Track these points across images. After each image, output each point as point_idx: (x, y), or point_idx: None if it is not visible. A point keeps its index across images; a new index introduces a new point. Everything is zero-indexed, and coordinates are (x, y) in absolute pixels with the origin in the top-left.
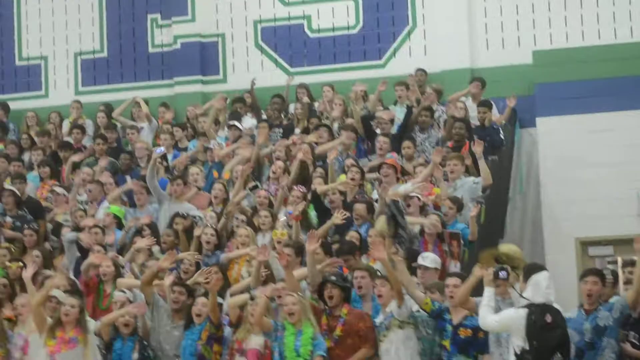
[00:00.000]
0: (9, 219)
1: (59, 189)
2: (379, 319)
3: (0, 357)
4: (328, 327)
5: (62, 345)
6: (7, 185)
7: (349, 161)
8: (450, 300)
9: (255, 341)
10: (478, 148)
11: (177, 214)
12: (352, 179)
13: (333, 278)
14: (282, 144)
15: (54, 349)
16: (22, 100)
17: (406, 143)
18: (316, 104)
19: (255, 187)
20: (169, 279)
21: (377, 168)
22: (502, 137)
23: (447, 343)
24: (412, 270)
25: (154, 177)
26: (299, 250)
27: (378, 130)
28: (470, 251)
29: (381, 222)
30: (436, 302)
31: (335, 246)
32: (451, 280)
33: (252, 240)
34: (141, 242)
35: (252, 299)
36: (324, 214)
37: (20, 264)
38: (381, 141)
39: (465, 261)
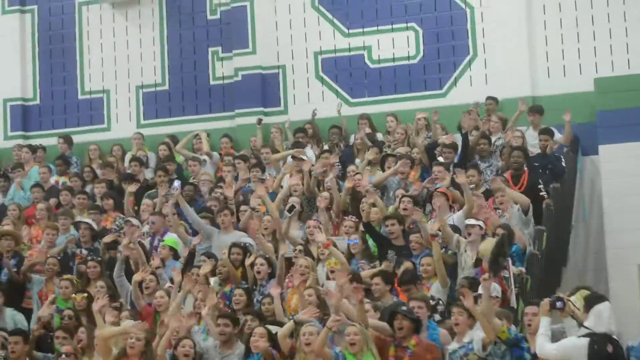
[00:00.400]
0: (84, 251)
1: (134, 221)
2: (452, 346)
3: None
4: (395, 357)
5: None
6: (84, 217)
7: (400, 192)
8: (528, 329)
9: None
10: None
11: (234, 244)
12: (405, 209)
13: (404, 309)
14: (321, 164)
15: None
16: (85, 133)
17: (471, 172)
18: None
19: (292, 207)
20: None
21: (430, 197)
22: (563, 164)
23: None
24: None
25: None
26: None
27: (440, 159)
28: (532, 279)
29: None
30: (512, 331)
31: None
32: (530, 309)
33: (312, 270)
34: (206, 266)
35: (297, 323)
36: (383, 242)
37: (85, 294)
38: (436, 170)
39: (527, 290)
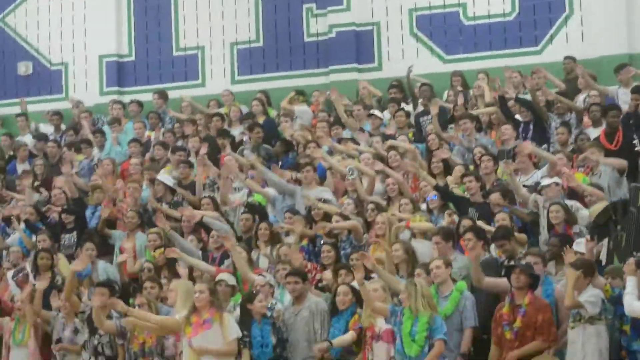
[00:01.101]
0: (164, 205)
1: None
2: None
3: (152, 339)
4: (509, 317)
5: (197, 328)
6: (163, 174)
7: (478, 150)
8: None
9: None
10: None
11: (315, 205)
12: (485, 168)
13: (523, 263)
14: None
15: (191, 334)
16: (180, 89)
17: (560, 129)
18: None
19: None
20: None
21: (513, 156)
22: None
23: (627, 328)
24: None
25: (274, 183)
26: (448, 235)
27: (518, 117)
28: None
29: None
30: (616, 288)
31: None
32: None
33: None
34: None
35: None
36: (460, 201)
37: (162, 250)
38: (503, 129)
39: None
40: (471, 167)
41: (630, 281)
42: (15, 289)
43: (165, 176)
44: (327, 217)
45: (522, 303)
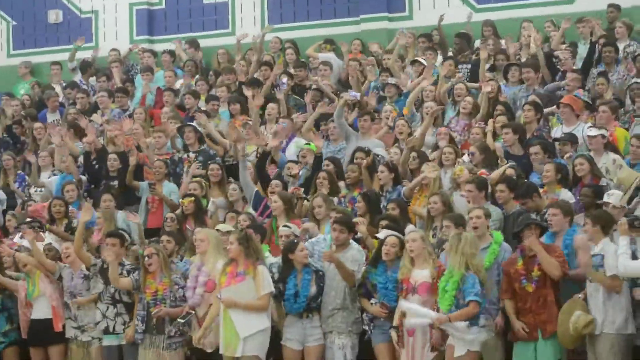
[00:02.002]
0: (192, 154)
1: (251, 123)
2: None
3: (164, 287)
4: (526, 270)
5: (231, 279)
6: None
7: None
8: None
9: (422, 275)
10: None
11: (358, 149)
12: (525, 117)
13: (534, 218)
14: None
15: (224, 285)
16: (210, 38)
17: (600, 80)
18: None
19: None
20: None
21: (557, 106)
22: None
23: None
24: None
25: (342, 116)
26: (482, 185)
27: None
28: None
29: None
30: None
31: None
32: None
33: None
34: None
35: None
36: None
37: (192, 198)
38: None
39: None
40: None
41: (624, 240)
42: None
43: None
44: (371, 166)
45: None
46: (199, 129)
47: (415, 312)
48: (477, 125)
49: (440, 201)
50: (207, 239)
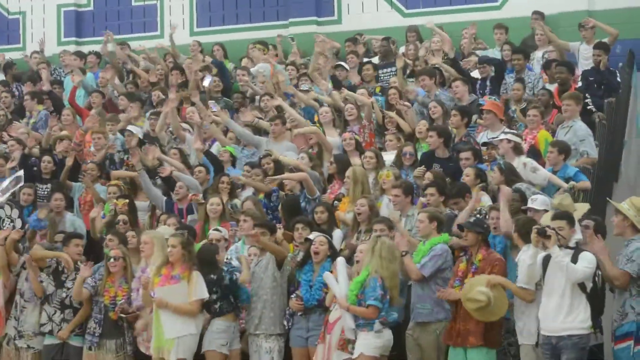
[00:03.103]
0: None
1: (185, 125)
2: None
3: (124, 293)
4: (464, 273)
5: (165, 281)
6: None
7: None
8: None
9: None
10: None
11: (266, 154)
12: (452, 122)
13: (470, 221)
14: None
15: (158, 285)
16: (138, 40)
17: (516, 85)
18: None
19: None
20: None
21: (480, 113)
22: (618, 79)
23: None
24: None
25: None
26: (409, 190)
27: (476, 73)
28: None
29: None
30: None
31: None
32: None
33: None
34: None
35: None
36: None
37: (127, 200)
38: (453, 85)
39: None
40: None
41: (532, 250)
42: None
43: (135, 126)
44: (279, 170)
45: (474, 260)
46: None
47: (331, 284)
48: (387, 132)
49: (368, 205)
50: (152, 242)
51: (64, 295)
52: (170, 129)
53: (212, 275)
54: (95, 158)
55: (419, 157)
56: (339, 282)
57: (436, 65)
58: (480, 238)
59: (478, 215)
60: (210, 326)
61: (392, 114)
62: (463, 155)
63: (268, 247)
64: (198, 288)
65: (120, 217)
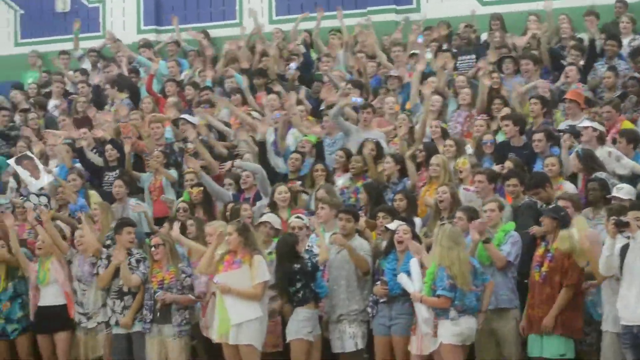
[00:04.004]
0: (190, 145)
1: (255, 114)
2: None
3: (171, 276)
4: (541, 259)
5: (227, 267)
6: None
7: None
8: None
9: None
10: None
11: (367, 140)
12: (532, 111)
13: (550, 208)
14: None
15: (221, 272)
16: (217, 29)
17: (607, 73)
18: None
19: None
20: None
21: (562, 99)
22: None
23: None
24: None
25: (338, 116)
26: (493, 177)
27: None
28: None
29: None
30: None
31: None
32: None
33: (444, 169)
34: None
35: None
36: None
37: (201, 188)
38: (567, 70)
39: None
40: None
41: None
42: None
43: (191, 116)
44: (377, 158)
45: (550, 247)
46: (192, 122)
47: (405, 284)
48: (478, 117)
49: (449, 192)
50: (216, 233)
51: (120, 283)
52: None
53: (295, 265)
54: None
55: None
56: (413, 278)
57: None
58: (556, 225)
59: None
60: (294, 315)
61: None
62: (536, 136)
63: (352, 254)
64: (260, 271)
65: (181, 204)
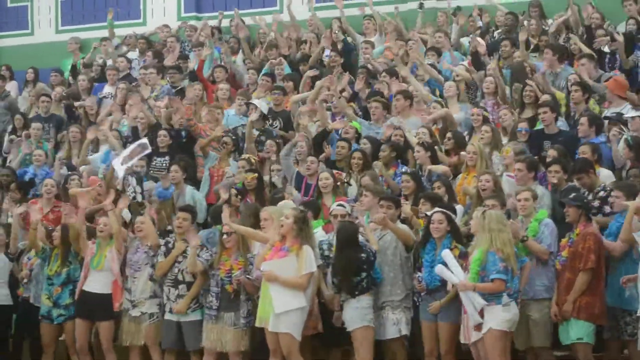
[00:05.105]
0: (255, 132)
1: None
2: None
3: (239, 266)
4: (564, 247)
5: (274, 254)
6: (254, 99)
7: (573, 77)
8: None
9: None
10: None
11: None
12: (573, 98)
13: (570, 197)
14: None
15: (267, 258)
16: (257, 15)
17: None
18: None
19: None
20: None
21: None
22: None
23: None
24: None
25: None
26: (532, 165)
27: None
28: None
29: None
30: None
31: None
32: None
33: (481, 157)
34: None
35: None
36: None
37: (256, 174)
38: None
39: None
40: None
41: None
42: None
43: (260, 102)
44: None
45: (572, 235)
46: (262, 108)
47: (446, 276)
48: (503, 107)
49: (492, 180)
50: (271, 218)
51: (175, 271)
52: None
53: (362, 255)
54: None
55: None
56: (452, 270)
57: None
58: (581, 213)
59: (603, 193)
60: (355, 303)
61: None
62: (582, 119)
63: (396, 231)
64: (308, 262)
65: (232, 190)
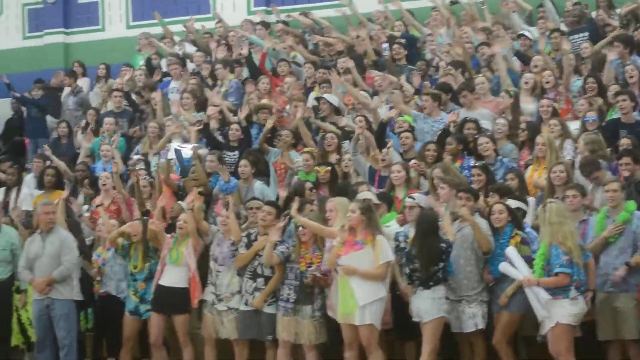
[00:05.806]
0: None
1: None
2: None
3: (318, 260)
4: None
5: (349, 248)
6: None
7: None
8: None
9: None
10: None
11: (466, 120)
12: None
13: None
14: None
15: (341, 252)
16: (323, 9)
17: None
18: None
19: None
20: None
21: None
22: None
23: None
24: None
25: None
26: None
27: None
28: None
29: None
30: None
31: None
32: None
33: (550, 148)
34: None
35: None
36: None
37: (329, 167)
38: None
39: None
40: None
41: None
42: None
43: (332, 96)
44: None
45: None
46: (333, 102)
47: (510, 273)
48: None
49: (566, 170)
50: (336, 209)
51: (255, 264)
52: None
53: (442, 245)
54: (291, 125)
55: None
56: (517, 266)
57: None
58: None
59: None
60: (431, 294)
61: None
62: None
63: (477, 229)
64: (384, 251)
65: (307, 184)
